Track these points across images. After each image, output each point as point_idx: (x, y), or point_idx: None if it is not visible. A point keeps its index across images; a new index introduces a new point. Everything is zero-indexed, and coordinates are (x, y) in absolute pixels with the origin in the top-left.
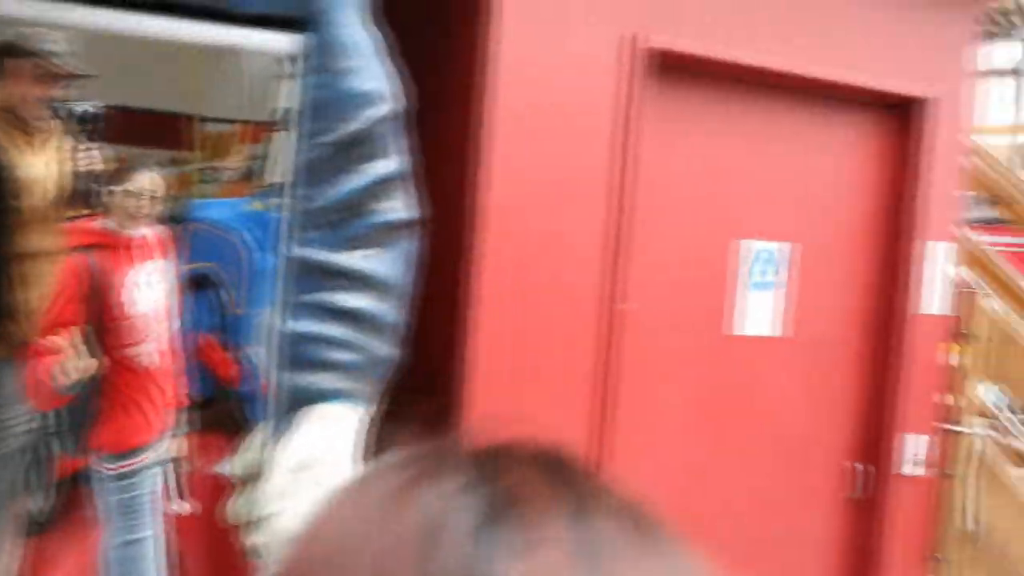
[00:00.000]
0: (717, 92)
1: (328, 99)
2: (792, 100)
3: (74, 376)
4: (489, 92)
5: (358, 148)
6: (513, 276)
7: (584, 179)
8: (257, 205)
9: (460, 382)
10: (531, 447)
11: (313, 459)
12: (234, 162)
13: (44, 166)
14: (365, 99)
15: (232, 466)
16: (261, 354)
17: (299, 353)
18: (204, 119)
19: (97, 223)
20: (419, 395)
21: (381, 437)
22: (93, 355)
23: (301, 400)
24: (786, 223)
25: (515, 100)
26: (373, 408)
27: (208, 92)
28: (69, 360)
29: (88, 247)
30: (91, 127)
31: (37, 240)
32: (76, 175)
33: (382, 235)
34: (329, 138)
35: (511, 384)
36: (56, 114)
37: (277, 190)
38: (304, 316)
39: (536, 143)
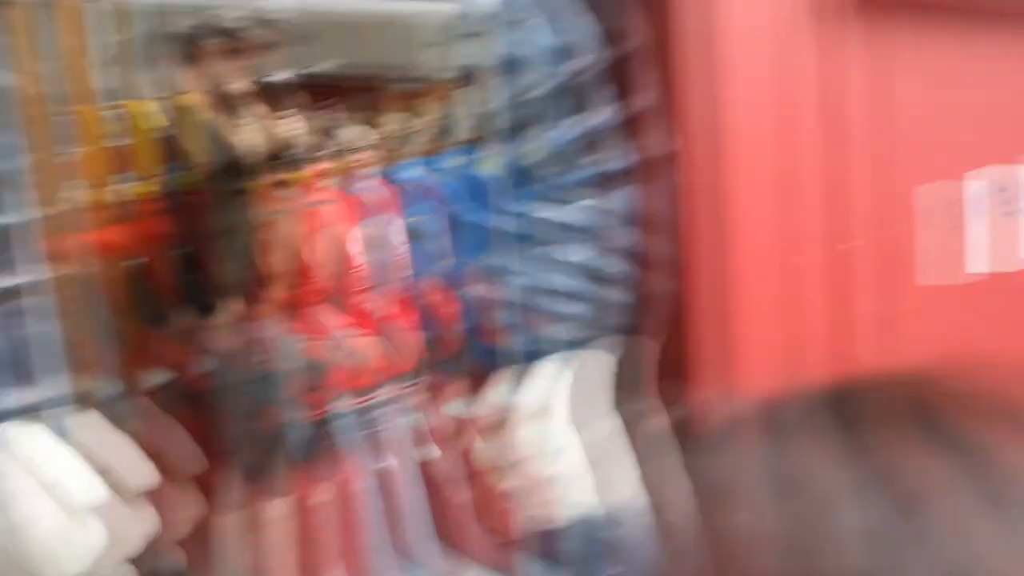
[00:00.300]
0: (927, 24)
1: (529, 55)
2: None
3: (352, 358)
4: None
5: (565, 101)
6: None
7: (796, 116)
8: (452, 162)
9: (688, 324)
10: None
11: (557, 406)
12: (425, 122)
13: (256, 138)
14: (567, 52)
15: (477, 411)
16: (476, 300)
17: (533, 306)
18: (394, 81)
19: (320, 184)
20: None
21: (625, 383)
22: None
23: (538, 350)
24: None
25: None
26: (609, 356)
27: (396, 55)
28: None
29: (317, 206)
30: (290, 96)
31: (267, 209)
32: (285, 143)
33: (600, 185)
34: (535, 93)
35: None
36: (257, 86)
37: (467, 147)
38: (533, 270)
39: (748, 83)
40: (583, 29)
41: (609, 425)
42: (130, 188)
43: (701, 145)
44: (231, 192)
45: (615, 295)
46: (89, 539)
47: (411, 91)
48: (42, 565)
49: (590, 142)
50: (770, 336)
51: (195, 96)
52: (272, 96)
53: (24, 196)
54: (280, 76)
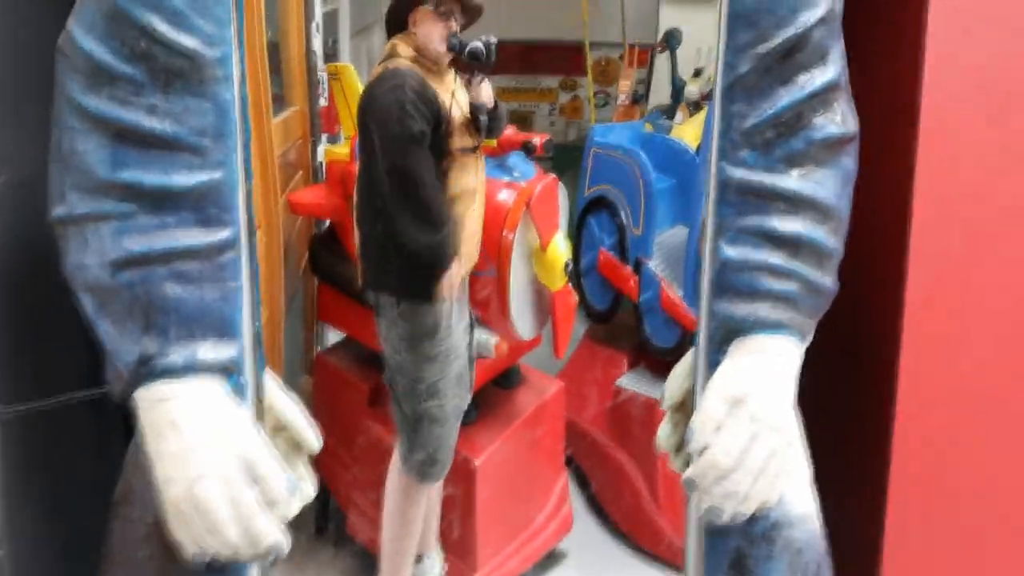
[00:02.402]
0: None
1: (758, 6)
2: None
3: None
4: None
5: (794, 57)
6: (959, 202)
7: None
8: (648, 127)
9: (894, 321)
10: None
11: (748, 393)
12: (623, 86)
13: (460, 107)
14: (798, 2)
15: (662, 392)
16: (659, 270)
17: (734, 281)
18: (593, 45)
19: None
20: (850, 334)
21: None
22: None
23: (736, 330)
24: None
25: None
26: (809, 339)
27: (595, 18)
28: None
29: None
30: (484, 61)
31: (462, 180)
32: (474, 108)
33: (821, 152)
34: (763, 48)
35: (953, 333)
36: (452, 50)
37: (664, 111)
38: (740, 242)
39: (987, 49)
40: None
41: (795, 419)
42: (332, 149)
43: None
44: (431, 157)
45: (824, 278)
46: (304, 489)
47: (612, 55)
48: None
49: (817, 103)
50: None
51: (404, 60)
52: (468, 60)
53: (231, 153)
54: (477, 41)
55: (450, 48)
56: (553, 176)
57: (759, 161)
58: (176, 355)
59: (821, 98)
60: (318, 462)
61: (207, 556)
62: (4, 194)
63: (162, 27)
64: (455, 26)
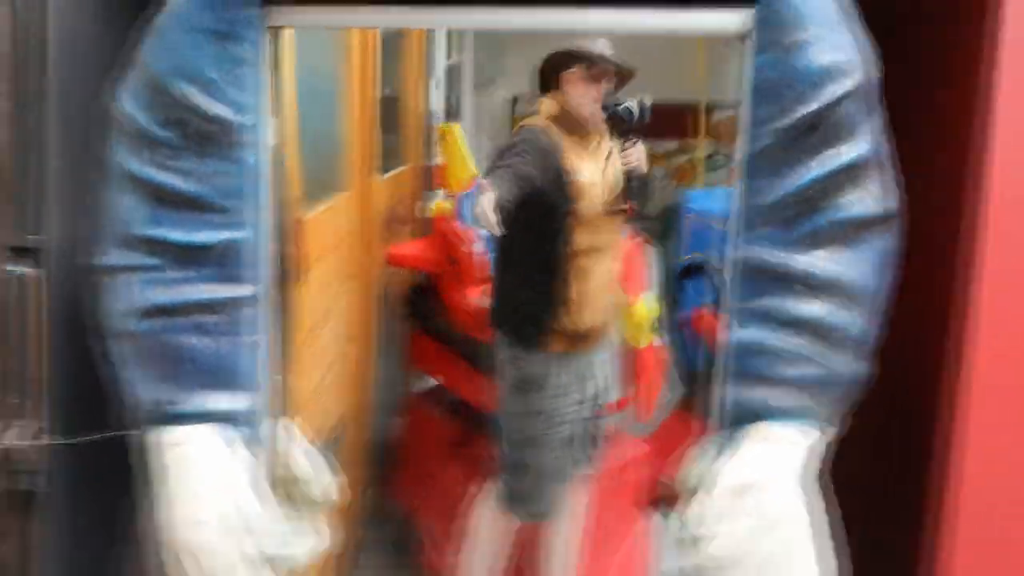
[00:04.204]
0: None
1: (780, 79)
2: None
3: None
4: (999, 53)
5: (817, 132)
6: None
7: None
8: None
9: (949, 414)
10: None
11: (754, 483)
12: (721, 151)
13: (598, 168)
14: (824, 74)
15: (682, 475)
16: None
17: (747, 364)
18: (711, 107)
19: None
20: (895, 422)
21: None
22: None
23: (747, 415)
24: None
25: None
26: (834, 431)
27: (712, 79)
28: None
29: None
30: (636, 123)
31: (590, 238)
32: (626, 173)
33: (847, 232)
34: (783, 123)
35: (1016, 421)
36: (607, 114)
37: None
38: (754, 323)
39: None
40: (857, 45)
41: (815, 512)
42: (438, 204)
43: (952, 201)
44: (557, 218)
45: (849, 364)
46: (308, 541)
47: (730, 116)
48: (268, 552)
49: (844, 180)
50: None
51: (545, 119)
52: (621, 123)
53: (255, 214)
54: (631, 103)
55: (603, 109)
56: (640, 239)
57: (780, 239)
58: (188, 403)
59: (848, 175)
60: (402, 496)
61: None
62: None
63: (197, 96)
64: (605, 89)
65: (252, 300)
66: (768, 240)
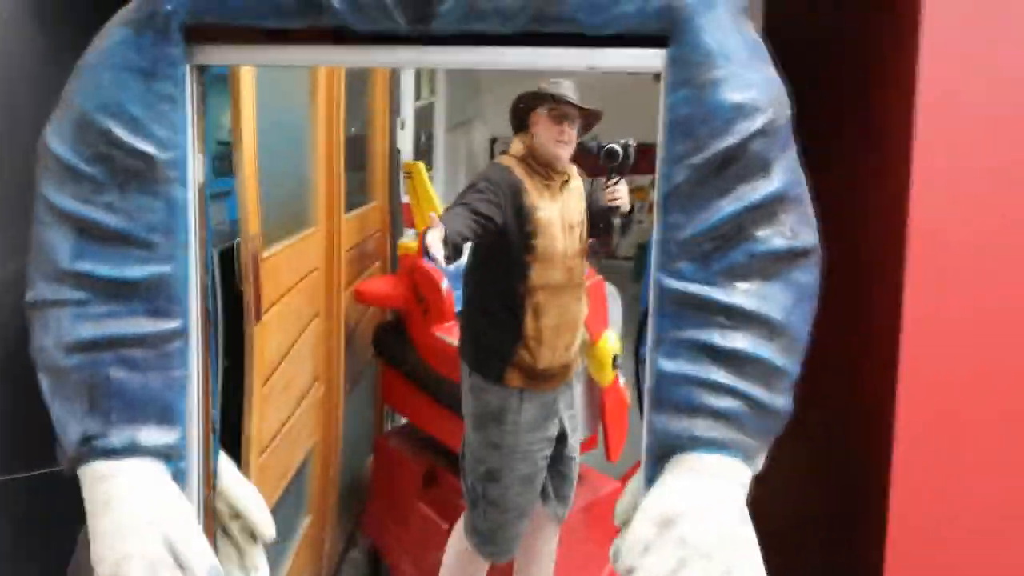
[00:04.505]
0: None
1: (694, 115)
2: None
3: None
4: (919, 85)
5: (730, 167)
6: (953, 317)
7: None
8: None
9: (887, 436)
10: None
11: (679, 515)
12: None
13: (561, 207)
14: (737, 111)
15: (616, 508)
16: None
17: (671, 395)
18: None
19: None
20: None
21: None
22: None
23: (672, 446)
24: None
25: (955, 91)
26: (758, 465)
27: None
28: None
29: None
30: (620, 163)
31: (549, 275)
32: (605, 211)
33: (767, 266)
34: (697, 159)
35: (948, 449)
36: (585, 153)
37: None
38: (677, 355)
39: (987, 141)
40: (769, 83)
41: (736, 547)
42: (404, 243)
43: (878, 231)
44: (516, 254)
45: (773, 397)
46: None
47: None
48: None
49: (759, 215)
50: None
51: (511, 157)
52: (605, 162)
53: (181, 249)
54: (614, 144)
55: (588, 150)
56: (600, 278)
57: (697, 273)
58: (116, 437)
59: (764, 211)
60: (372, 534)
61: None
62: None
63: (120, 132)
64: (570, 130)
65: (181, 334)
66: (687, 274)
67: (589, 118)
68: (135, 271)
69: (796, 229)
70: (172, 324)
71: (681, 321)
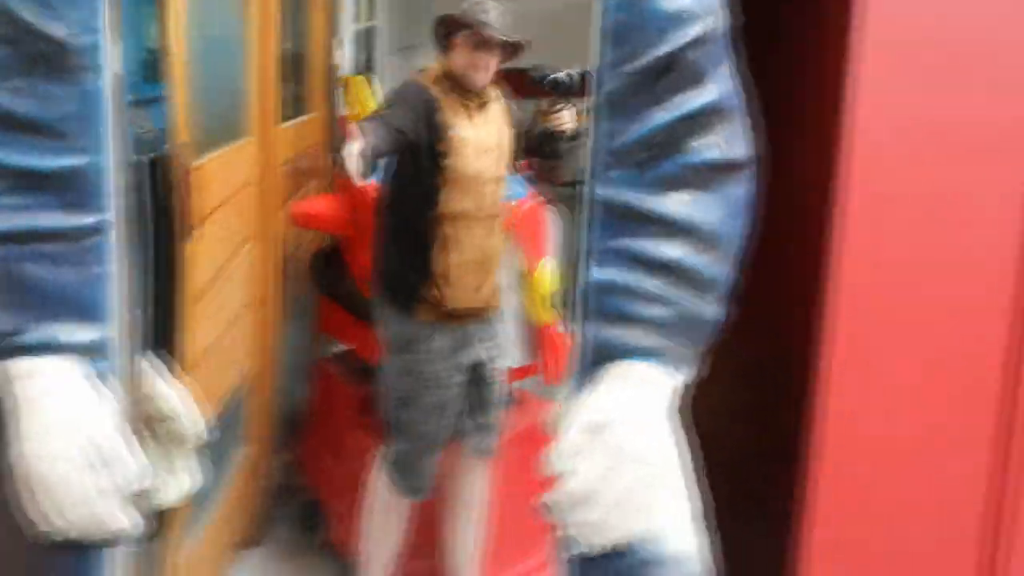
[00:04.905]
0: None
1: (629, 23)
2: None
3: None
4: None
5: (666, 76)
6: (891, 237)
7: (993, 121)
8: None
9: (813, 359)
10: None
11: (610, 421)
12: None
13: (480, 128)
14: (674, 19)
15: (550, 417)
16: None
17: (604, 304)
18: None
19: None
20: (760, 367)
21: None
22: None
23: (605, 355)
24: None
25: (898, 16)
26: (690, 373)
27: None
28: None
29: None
30: (566, 91)
31: (462, 202)
32: (550, 136)
33: (700, 176)
34: (632, 66)
35: (880, 374)
36: (536, 81)
37: None
38: (610, 263)
39: (926, 72)
40: None
41: (668, 452)
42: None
43: (816, 151)
44: (427, 175)
45: (706, 307)
46: (178, 480)
47: None
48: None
49: (694, 125)
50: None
51: (430, 75)
52: (548, 90)
53: (98, 141)
54: (560, 73)
55: (534, 80)
56: (540, 200)
57: (630, 182)
58: (34, 334)
59: (698, 121)
60: (308, 467)
61: (58, 536)
62: None
63: (29, 14)
64: (488, 58)
65: (98, 229)
66: (622, 182)
67: (513, 47)
68: (47, 161)
69: (730, 141)
70: (88, 219)
71: (614, 230)
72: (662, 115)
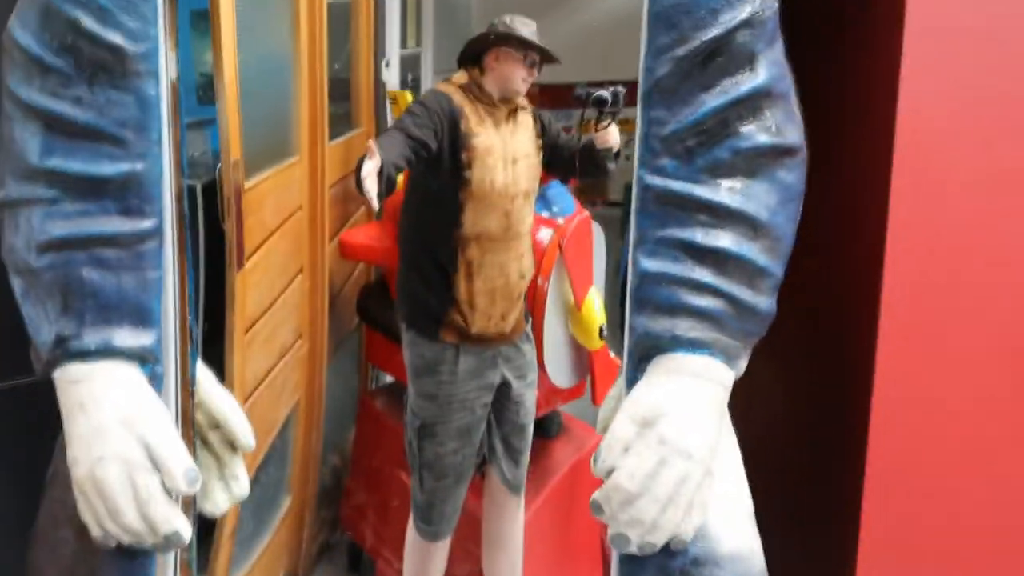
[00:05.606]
0: None
1: (678, 6)
2: None
3: None
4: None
5: (715, 61)
6: (938, 228)
7: None
8: None
9: (866, 350)
10: None
11: (660, 415)
12: None
13: (505, 139)
14: (723, 2)
15: (600, 414)
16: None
17: (652, 294)
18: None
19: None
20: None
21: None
22: None
23: (654, 347)
24: None
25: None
26: (741, 367)
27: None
28: None
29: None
30: (610, 109)
31: (484, 220)
32: (598, 155)
33: (751, 163)
34: (681, 51)
35: (928, 364)
36: (579, 99)
37: None
38: (659, 254)
39: (976, 58)
40: None
41: (721, 448)
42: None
43: (865, 139)
44: (448, 191)
45: (755, 297)
46: (229, 486)
47: None
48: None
49: (744, 110)
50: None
51: (452, 84)
52: (593, 106)
53: (153, 146)
54: (603, 90)
55: (576, 97)
56: (587, 214)
57: (680, 170)
58: (90, 338)
59: (748, 105)
60: (352, 511)
61: (111, 540)
62: None
63: (88, 22)
64: (529, 72)
65: (155, 234)
66: (670, 171)
67: (549, 60)
68: (106, 168)
69: (781, 126)
70: (145, 224)
71: (663, 219)
72: (712, 100)
